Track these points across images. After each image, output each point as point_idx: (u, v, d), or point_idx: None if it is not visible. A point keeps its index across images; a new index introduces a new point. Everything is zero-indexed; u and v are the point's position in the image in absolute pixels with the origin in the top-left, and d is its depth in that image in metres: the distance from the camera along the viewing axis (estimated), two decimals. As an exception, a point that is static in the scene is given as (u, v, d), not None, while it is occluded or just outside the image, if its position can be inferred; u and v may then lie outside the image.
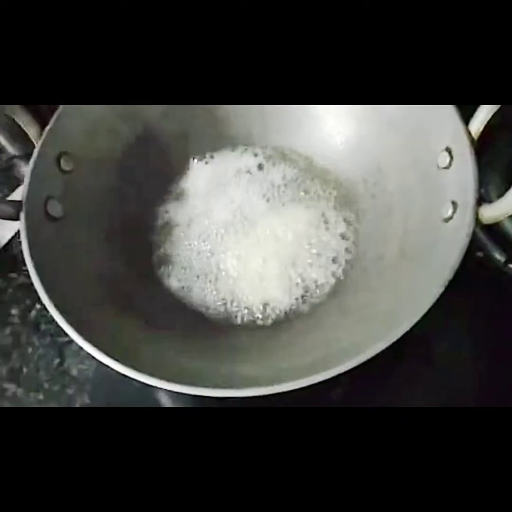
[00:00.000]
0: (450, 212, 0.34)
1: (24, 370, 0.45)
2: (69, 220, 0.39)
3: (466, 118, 0.35)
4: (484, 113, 0.34)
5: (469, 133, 0.34)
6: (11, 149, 0.54)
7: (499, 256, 0.42)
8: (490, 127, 0.44)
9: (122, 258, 0.42)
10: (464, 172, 0.33)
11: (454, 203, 0.34)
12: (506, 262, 0.42)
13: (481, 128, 0.34)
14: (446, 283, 0.29)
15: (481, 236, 0.43)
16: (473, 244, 0.42)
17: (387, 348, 0.28)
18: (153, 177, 0.46)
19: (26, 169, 0.38)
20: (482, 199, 0.32)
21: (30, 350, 0.46)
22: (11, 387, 0.44)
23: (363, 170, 0.44)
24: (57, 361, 0.45)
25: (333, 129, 0.46)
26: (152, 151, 0.46)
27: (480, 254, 0.43)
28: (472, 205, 0.31)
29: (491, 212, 0.31)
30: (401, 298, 0.33)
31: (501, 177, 0.45)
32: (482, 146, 0.46)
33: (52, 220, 0.38)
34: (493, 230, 0.44)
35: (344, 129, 0.45)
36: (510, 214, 0.30)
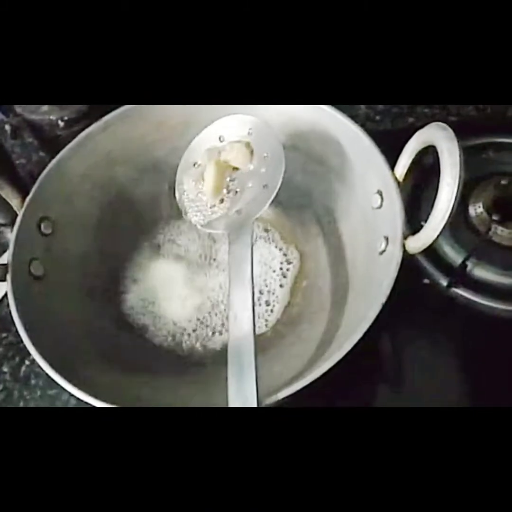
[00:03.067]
0: (383, 246, 0.38)
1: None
2: (51, 279, 0.42)
3: (392, 164, 0.39)
4: (405, 159, 0.39)
5: (395, 177, 0.39)
6: (-5, 218, 0.57)
7: (442, 281, 0.46)
8: (428, 165, 0.50)
9: (103, 310, 0.45)
10: (392, 210, 0.37)
11: (386, 238, 0.38)
12: (449, 286, 0.46)
13: (404, 171, 0.39)
14: (381, 307, 0.33)
15: (426, 264, 0.48)
16: (419, 272, 0.48)
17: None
18: (127, 235, 0.50)
19: (10, 236, 0.41)
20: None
21: (22, 404, 0.47)
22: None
23: (316, 212, 0.48)
24: (47, 412, 0.47)
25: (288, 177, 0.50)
26: (126, 212, 0.50)
27: (426, 281, 0.47)
28: (399, 239, 0.36)
29: (414, 244, 0.35)
30: (348, 324, 0.37)
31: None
32: (423, 182, 0.51)
33: (36, 279, 0.41)
34: (437, 257, 0.48)
35: (295, 178, 0.48)
36: (429, 243, 0.35)
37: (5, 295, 0.53)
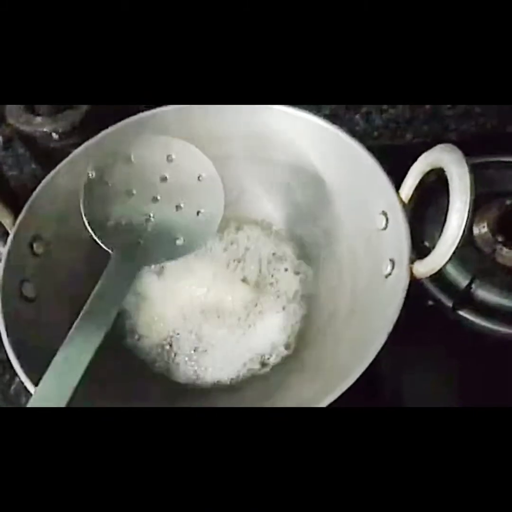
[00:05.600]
0: (389, 269, 0.37)
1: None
2: (42, 300, 0.41)
3: (397, 184, 0.38)
4: (411, 180, 0.38)
5: (400, 198, 0.37)
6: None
7: (447, 303, 0.46)
8: (430, 184, 0.49)
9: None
10: (398, 232, 0.36)
11: (392, 261, 0.37)
12: (454, 308, 0.45)
13: (410, 193, 0.38)
14: (387, 335, 0.32)
15: (430, 286, 0.47)
16: (424, 294, 0.47)
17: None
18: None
19: (1, 249, 0.40)
20: (427, 250, 0.35)
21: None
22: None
23: (315, 234, 0.47)
24: (37, 434, 0.46)
25: (285, 198, 0.49)
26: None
27: (431, 302, 0.47)
28: (406, 263, 0.34)
29: (422, 268, 0.34)
30: (351, 351, 0.36)
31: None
32: (426, 201, 0.50)
33: (27, 301, 0.40)
34: (441, 279, 0.47)
35: (295, 198, 0.48)
36: (438, 269, 0.34)
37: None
